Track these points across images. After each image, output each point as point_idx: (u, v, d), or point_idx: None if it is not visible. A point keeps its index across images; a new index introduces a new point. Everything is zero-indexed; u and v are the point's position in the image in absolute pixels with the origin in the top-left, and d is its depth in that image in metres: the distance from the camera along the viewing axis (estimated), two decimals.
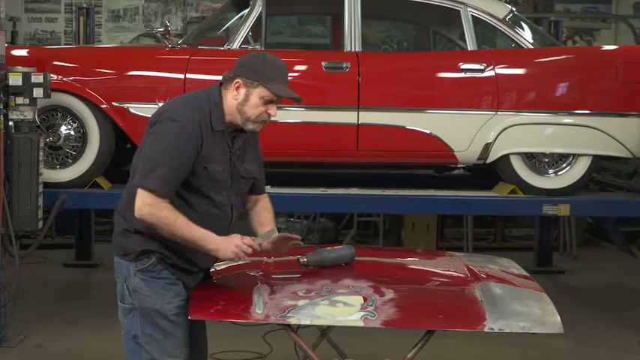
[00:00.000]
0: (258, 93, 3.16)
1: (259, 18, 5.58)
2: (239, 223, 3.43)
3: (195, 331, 3.36)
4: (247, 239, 3.14)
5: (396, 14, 6.86)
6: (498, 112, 5.59)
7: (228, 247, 3.10)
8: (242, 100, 3.17)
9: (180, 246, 3.15)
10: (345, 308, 3.08)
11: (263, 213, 3.49)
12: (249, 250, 3.13)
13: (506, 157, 5.64)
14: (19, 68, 5.25)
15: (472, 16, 5.71)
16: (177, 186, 3.11)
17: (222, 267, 3.50)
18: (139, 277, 3.20)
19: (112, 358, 5.19)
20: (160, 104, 5.26)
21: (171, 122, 3.11)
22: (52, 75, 5.36)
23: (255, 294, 3.17)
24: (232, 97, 3.19)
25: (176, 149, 3.08)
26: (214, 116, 3.17)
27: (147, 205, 3.05)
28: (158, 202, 3.05)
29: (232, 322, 3.16)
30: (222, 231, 3.23)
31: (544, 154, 5.68)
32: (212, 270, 3.43)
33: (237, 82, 3.17)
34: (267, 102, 3.17)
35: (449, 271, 3.66)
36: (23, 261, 5.43)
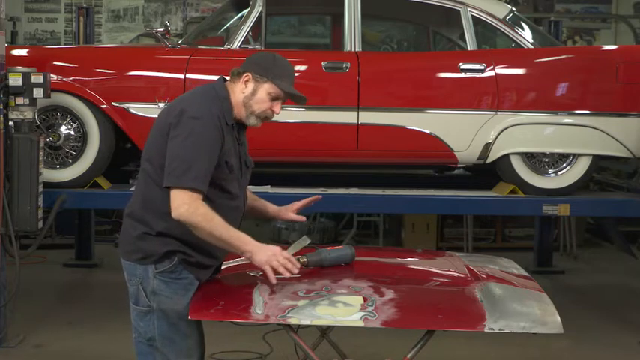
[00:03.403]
0: (265, 88, 3.23)
1: (259, 18, 5.59)
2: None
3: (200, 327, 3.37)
4: (286, 253, 3.16)
5: (396, 14, 6.86)
6: (498, 112, 5.59)
7: (264, 253, 3.12)
8: (249, 94, 3.23)
9: (202, 242, 3.15)
10: (345, 308, 3.08)
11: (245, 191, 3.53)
12: (288, 264, 3.13)
13: (506, 157, 5.64)
14: (19, 68, 5.25)
15: (472, 16, 5.72)
16: (209, 182, 3.12)
17: (223, 267, 3.51)
18: (159, 279, 3.19)
19: (111, 358, 5.19)
20: (161, 104, 5.33)
21: (195, 120, 3.11)
22: (52, 75, 5.36)
23: (255, 294, 3.16)
24: (240, 91, 3.24)
25: (207, 146, 3.10)
26: (226, 111, 3.22)
27: (185, 204, 3.04)
28: (194, 200, 3.05)
29: (232, 322, 3.16)
30: (237, 224, 3.29)
31: (544, 154, 5.69)
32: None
33: (247, 75, 3.23)
34: (274, 98, 3.25)
35: (449, 271, 3.66)
36: (23, 261, 5.43)
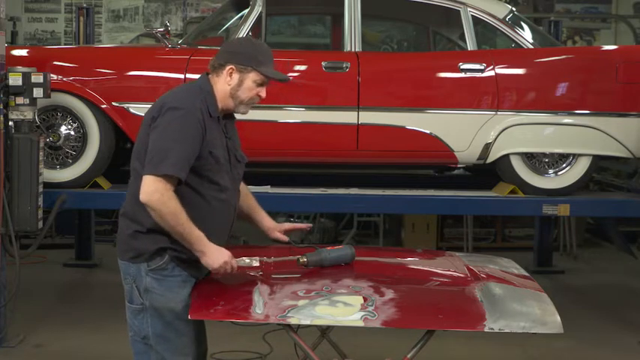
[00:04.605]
0: (251, 77, 3.28)
1: (259, 18, 5.59)
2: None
3: (199, 326, 3.37)
4: (235, 262, 3.18)
5: (396, 14, 6.86)
6: (498, 112, 5.59)
7: (217, 257, 3.14)
8: (235, 85, 3.27)
9: None
10: (345, 308, 3.08)
11: (248, 197, 3.64)
12: (231, 271, 3.18)
13: (506, 157, 5.64)
14: (19, 68, 5.25)
15: (472, 16, 5.71)
16: (188, 172, 3.14)
17: None
18: (151, 277, 3.20)
19: (111, 358, 5.19)
20: None
21: (175, 111, 3.16)
22: (52, 75, 5.36)
23: (255, 294, 3.17)
24: (225, 83, 3.28)
25: (185, 135, 3.13)
26: (210, 103, 3.25)
27: (157, 191, 3.06)
28: (167, 189, 3.08)
29: (232, 322, 3.16)
30: (230, 217, 3.33)
31: (544, 154, 5.69)
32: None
33: (231, 68, 3.27)
34: (259, 85, 3.30)
35: (449, 271, 3.66)
36: (23, 261, 5.43)
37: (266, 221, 3.67)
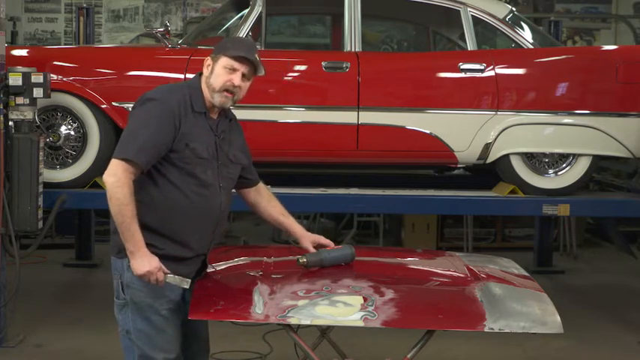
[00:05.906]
0: (221, 63, 3.32)
1: (259, 18, 5.59)
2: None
3: (196, 322, 3.36)
4: (162, 274, 3.16)
5: (396, 14, 6.86)
6: (498, 112, 5.59)
7: (143, 262, 3.13)
8: (209, 74, 3.34)
9: (173, 231, 3.21)
10: (345, 308, 3.08)
11: (273, 202, 3.67)
12: (155, 282, 3.16)
13: (506, 157, 5.64)
14: (19, 68, 5.25)
15: (472, 16, 5.71)
16: (153, 160, 3.18)
17: (223, 267, 3.51)
18: (131, 272, 3.21)
19: (111, 358, 5.19)
20: None
21: (149, 101, 3.23)
22: (52, 75, 5.36)
23: (255, 294, 3.17)
24: (204, 76, 3.35)
25: (153, 123, 3.18)
26: (195, 98, 3.30)
27: (115, 175, 3.12)
28: (126, 176, 3.12)
29: (232, 322, 3.16)
30: (213, 215, 3.31)
31: (544, 154, 5.69)
32: (211, 270, 3.45)
33: (207, 60, 3.35)
34: (230, 70, 3.31)
35: (449, 271, 3.66)
36: (23, 261, 5.43)
37: (297, 229, 3.65)
